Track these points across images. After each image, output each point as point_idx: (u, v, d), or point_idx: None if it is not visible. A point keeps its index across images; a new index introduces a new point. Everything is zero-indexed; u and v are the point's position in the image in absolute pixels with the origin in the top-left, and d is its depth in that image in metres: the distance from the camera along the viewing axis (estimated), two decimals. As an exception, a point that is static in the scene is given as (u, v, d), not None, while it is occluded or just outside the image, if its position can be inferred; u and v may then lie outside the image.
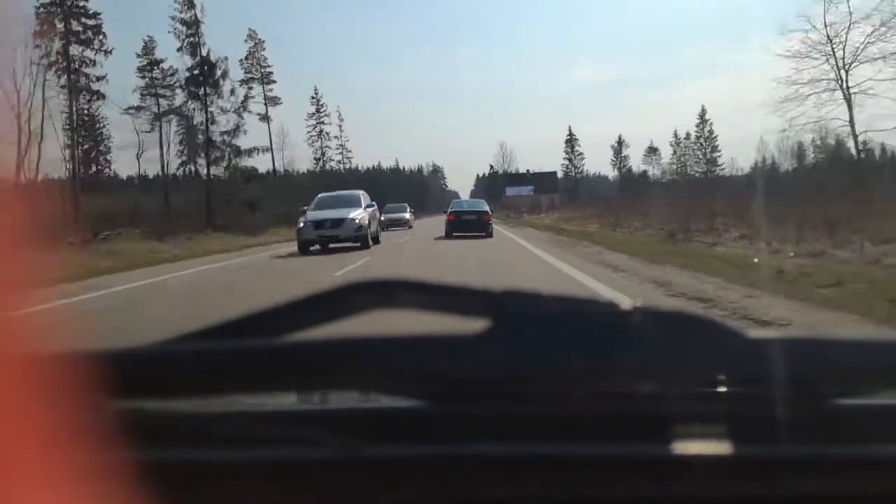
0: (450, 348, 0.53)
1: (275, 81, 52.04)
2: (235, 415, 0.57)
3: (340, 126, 79.30)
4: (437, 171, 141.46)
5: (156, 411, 0.53)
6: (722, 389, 0.53)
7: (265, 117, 52.71)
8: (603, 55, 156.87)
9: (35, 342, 0.44)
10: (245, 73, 52.78)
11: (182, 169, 43.07)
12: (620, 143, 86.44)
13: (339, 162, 77.96)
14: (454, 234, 18.28)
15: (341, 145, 78.62)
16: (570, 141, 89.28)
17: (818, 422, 0.52)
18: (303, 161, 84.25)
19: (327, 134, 74.76)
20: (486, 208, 19.85)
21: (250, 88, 52.66)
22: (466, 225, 18.57)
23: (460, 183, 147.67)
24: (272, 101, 52.32)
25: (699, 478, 0.49)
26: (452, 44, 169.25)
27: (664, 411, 0.52)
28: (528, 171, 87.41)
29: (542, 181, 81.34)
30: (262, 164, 56.42)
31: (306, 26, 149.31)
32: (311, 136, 74.34)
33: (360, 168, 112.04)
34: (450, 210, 19.83)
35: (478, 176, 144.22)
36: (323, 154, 74.17)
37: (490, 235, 18.10)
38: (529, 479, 0.50)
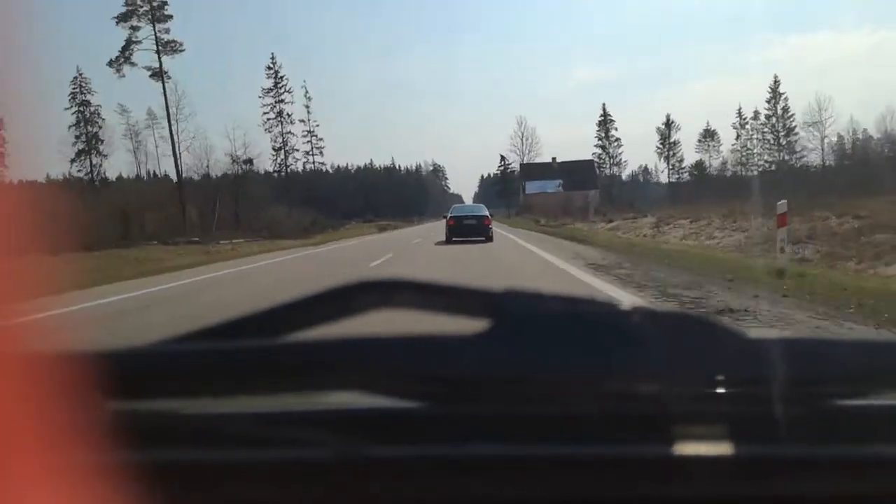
0: (450, 348, 0.53)
1: (170, 17, 34.44)
2: (235, 415, 0.57)
3: (308, 107, 62.29)
4: (437, 171, 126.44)
5: (156, 411, 0.53)
6: (722, 390, 0.53)
7: (158, 73, 35.66)
8: (610, 54, 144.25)
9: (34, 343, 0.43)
10: (126, 4, 35.80)
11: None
12: (669, 124, 64.65)
13: (308, 153, 61.10)
14: (454, 238, 17.99)
15: (309, 132, 61.76)
16: (605, 123, 66.94)
17: (818, 422, 0.52)
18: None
19: (288, 116, 57.90)
20: (487, 213, 19.53)
21: (134, 30, 35.75)
22: (467, 229, 18.22)
23: (463, 185, 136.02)
24: (168, 47, 35.07)
25: (699, 478, 0.49)
26: (453, 39, 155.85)
27: (664, 411, 0.52)
28: (553, 159, 67.67)
29: (573, 174, 62.13)
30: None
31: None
32: (267, 118, 57.61)
33: (349, 167, 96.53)
34: (450, 215, 19.43)
35: (482, 177, 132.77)
36: (284, 143, 57.15)
37: (490, 240, 17.79)
38: (529, 480, 0.50)
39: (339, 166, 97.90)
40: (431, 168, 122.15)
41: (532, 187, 62.80)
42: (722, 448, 0.49)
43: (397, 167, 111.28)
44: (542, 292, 0.55)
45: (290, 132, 56.85)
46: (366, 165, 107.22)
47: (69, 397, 0.43)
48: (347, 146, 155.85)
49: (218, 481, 0.50)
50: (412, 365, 0.52)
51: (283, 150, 57.02)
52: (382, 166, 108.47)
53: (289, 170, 56.76)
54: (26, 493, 0.39)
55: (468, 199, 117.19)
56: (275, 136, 56.84)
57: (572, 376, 0.52)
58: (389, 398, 0.53)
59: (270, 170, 56.65)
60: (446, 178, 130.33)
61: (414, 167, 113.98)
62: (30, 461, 0.40)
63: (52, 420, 0.42)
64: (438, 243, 16.60)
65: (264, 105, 56.42)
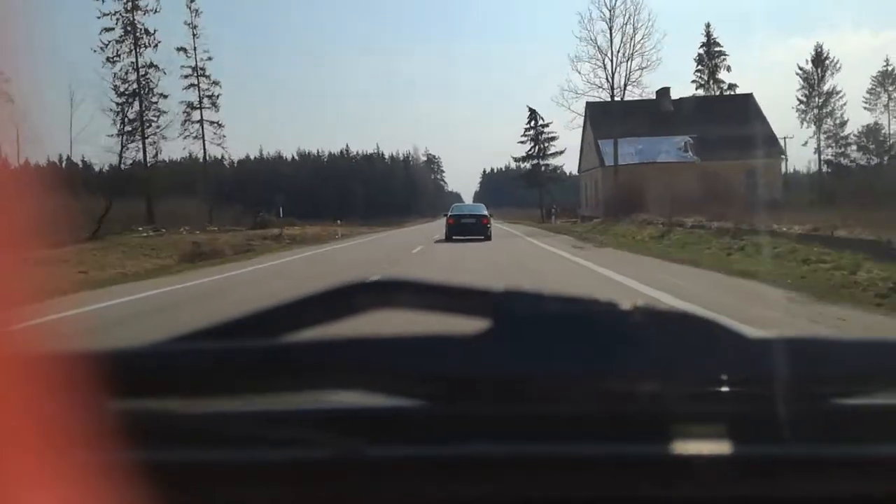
0: (450, 348, 0.53)
1: None
2: (235, 415, 0.57)
3: (194, 28, 36.48)
4: (431, 163, 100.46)
5: (156, 411, 0.53)
6: (722, 389, 0.53)
7: None
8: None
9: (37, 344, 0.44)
10: None
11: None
12: (821, 58, 38.66)
13: (192, 106, 35.36)
14: (454, 236, 18.05)
15: (194, 69, 35.87)
16: (710, 57, 39.25)
17: (818, 422, 0.52)
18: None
19: (150, 34, 32.27)
20: (486, 212, 19.57)
21: None
22: (465, 228, 18.34)
23: (461, 184, 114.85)
24: None
25: (700, 478, 0.49)
26: (454, 36, 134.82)
27: (665, 411, 0.52)
28: (664, 90, 31.84)
29: (707, 123, 28.19)
30: None
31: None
32: (108, 39, 31.95)
33: (319, 153, 71.41)
34: (450, 214, 19.63)
35: (484, 171, 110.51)
36: (141, 87, 31.39)
37: (489, 238, 17.75)
38: (529, 479, 0.50)
39: (307, 152, 73.13)
40: (425, 159, 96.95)
41: (627, 150, 28.66)
42: (722, 448, 0.49)
43: (382, 155, 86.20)
44: (542, 292, 0.55)
45: (151, 65, 30.97)
46: (341, 152, 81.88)
47: (70, 397, 0.43)
48: (323, 131, 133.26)
49: (217, 481, 0.50)
50: (412, 365, 0.52)
51: (137, 98, 30.87)
52: (360, 153, 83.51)
53: (146, 133, 30.67)
54: (27, 493, 0.39)
55: (468, 198, 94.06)
56: (123, 69, 30.83)
57: (572, 376, 0.52)
58: (389, 398, 0.53)
59: (115, 132, 30.28)
60: (442, 172, 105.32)
61: (402, 155, 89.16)
62: (30, 461, 0.40)
63: (52, 420, 0.42)
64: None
65: (103, 15, 30.48)
